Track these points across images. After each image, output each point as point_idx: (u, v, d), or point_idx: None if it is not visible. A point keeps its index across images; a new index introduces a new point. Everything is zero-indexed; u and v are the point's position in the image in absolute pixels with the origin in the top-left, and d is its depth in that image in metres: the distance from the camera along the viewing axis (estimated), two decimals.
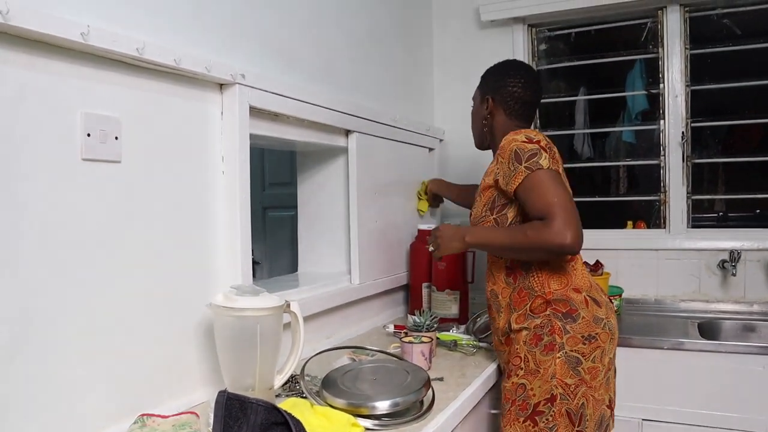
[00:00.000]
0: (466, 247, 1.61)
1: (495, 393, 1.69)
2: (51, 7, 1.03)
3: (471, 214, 1.71)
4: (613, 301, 2.31)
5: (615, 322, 1.56)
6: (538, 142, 1.51)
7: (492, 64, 1.80)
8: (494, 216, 1.59)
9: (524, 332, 1.52)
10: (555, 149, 1.56)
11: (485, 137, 1.79)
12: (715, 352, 1.93)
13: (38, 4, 1.01)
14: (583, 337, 1.47)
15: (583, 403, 1.44)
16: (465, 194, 2.26)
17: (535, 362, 1.48)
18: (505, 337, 1.59)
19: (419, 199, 2.49)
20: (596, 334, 1.49)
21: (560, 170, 1.53)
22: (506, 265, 1.61)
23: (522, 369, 1.50)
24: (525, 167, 1.47)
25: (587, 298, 1.53)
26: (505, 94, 1.71)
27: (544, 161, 1.47)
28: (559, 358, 1.46)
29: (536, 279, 1.55)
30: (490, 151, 1.81)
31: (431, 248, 1.69)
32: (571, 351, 1.46)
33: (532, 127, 1.81)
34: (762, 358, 1.88)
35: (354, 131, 1.99)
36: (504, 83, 1.71)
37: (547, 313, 1.50)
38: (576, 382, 1.45)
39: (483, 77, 1.80)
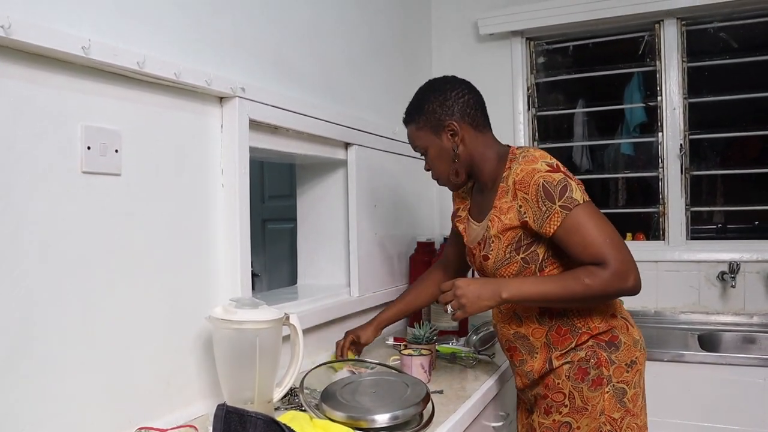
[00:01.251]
0: (501, 303, 1.38)
1: (495, 406, 1.69)
2: (52, 21, 1.04)
3: (482, 258, 1.49)
4: None
5: (642, 336, 1.49)
6: (558, 167, 1.36)
7: (423, 92, 1.55)
8: (521, 256, 1.41)
9: (566, 366, 1.42)
10: None
11: (462, 171, 1.52)
12: (716, 364, 1.92)
13: (39, 18, 1.02)
14: (626, 365, 1.40)
15: None
16: (407, 305, 1.84)
17: (583, 399, 1.39)
18: (540, 378, 1.47)
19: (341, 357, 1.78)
20: (636, 358, 1.43)
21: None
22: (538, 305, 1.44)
23: (566, 406, 1.41)
24: (560, 207, 1.31)
25: (623, 320, 1.45)
26: (462, 107, 1.48)
27: (577, 194, 1.32)
28: (607, 392, 1.38)
29: (577, 315, 1.42)
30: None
31: (450, 310, 1.42)
32: (618, 383, 1.39)
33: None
34: (762, 370, 1.88)
35: (353, 144, 2.00)
36: (452, 98, 1.48)
37: (591, 344, 1.40)
38: (622, 414, 1.39)
39: (417, 114, 1.52)
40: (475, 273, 1.64)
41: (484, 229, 1.49)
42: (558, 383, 1.43)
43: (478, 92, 1.54)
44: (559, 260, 1.41)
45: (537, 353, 1.47)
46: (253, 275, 2.88)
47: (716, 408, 1.91)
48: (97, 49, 1.08)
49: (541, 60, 2.79)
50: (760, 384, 1.87)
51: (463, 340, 2.00)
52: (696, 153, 2.65)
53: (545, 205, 1.33)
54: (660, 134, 2.54)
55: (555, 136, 2.90)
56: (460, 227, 1.64)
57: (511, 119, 2.73)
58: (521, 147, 1.49)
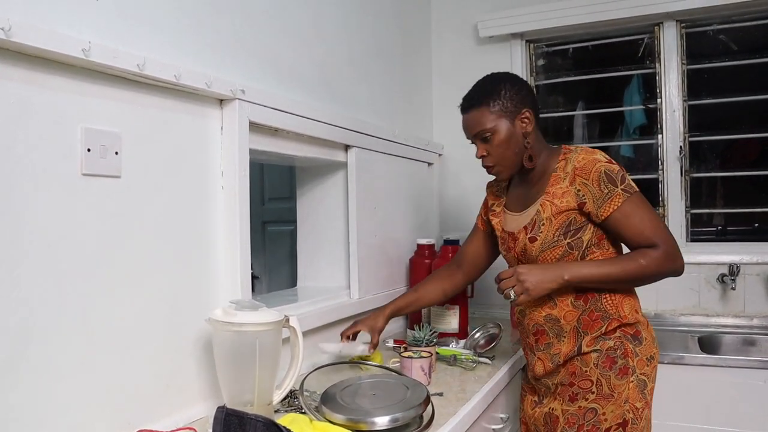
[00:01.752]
0: (564, 285, 1.46)
1: (495, 408, 1.68)
2: (52, 24, 1.04)
3: (528, 240, 1.53)
4: None
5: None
6: (614, 162, 1.48)
7: (497, 80, 1.59)
8: (568, 240, 1.49)
9: (594, 354, 1.49)
10: None
11: (524, 159, 1.56)
12: (716, 366, 1.92)
13: (39, 20, 1.02)
14: (647, 359, 1.49)
15: (644, 426, 1.47)
16: (418, 299, 1.85)
17: (610, 386, 1.46)
18: (566, 362, 1.53)
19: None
20: (653, 354, 1.52)
21: None
22: (574, 287, 1.50)
23: (593, 393, 1.48)
24: (622, 190, 1.43)
25: (644, 318, 1.55)
26: (533, 100, 1.58)
27: (633, 184, 1.46)
28: (632, 382, 1.46)
29: (609, 302, 1.50)
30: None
31: (513, 296, 1.46)
32: (641, 374, 1.47)
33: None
34: (763, 372, 1.87)
35: (353, 146, 2.00)
36: (526, 90, 1.58)
37: (618, 335, 1.49)
38: (642, 405, 1.47)
39: (496, 98, 1.54)
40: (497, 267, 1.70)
41: (531, 215, 1.55)
42: (586, 371, 1.49)
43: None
44: (599, 249, 1.51)
45: (565, 337, 1.53)
46: (253, 277, 2.87)
47: (716, 410, 1.91)
48: (97, 51, 1.08)
49: (541, 62, 2.79)
50: (760, 386, 1.87)
51: (463, 342, 1.99)
52: (696, 155, 2.65)
53: (607, 188, 1.43)
54: (660, 136, 2.54)
55: (555, 137, 2.90)
56: (495, 221, 1.71)
57: None
58: (571, 147, 1.56)
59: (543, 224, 1.51)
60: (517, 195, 1.66)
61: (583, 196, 1.46)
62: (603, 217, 1.45)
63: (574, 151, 1.52)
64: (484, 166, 1.61)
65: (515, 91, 1.55)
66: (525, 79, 2.48)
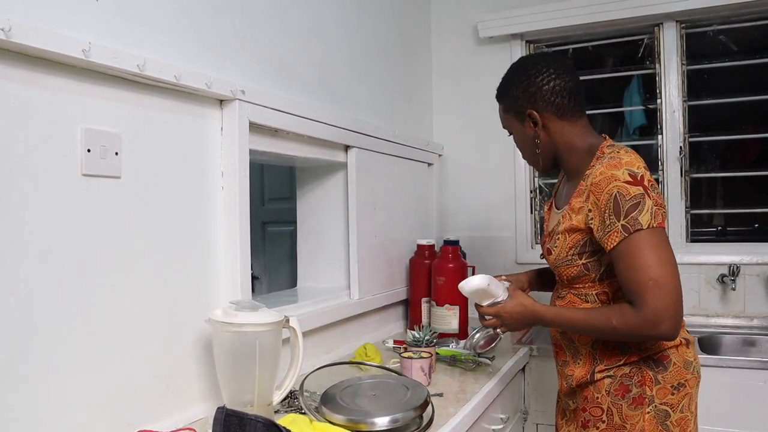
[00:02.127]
0: (543, 325, 1.43)
1: (495, 409, 1.68)
2: (52, 24, 1.04)
3: (546, 251, 1.46)
4: None
5: (698, 359, 1.39)
6: (642, 179, 1.23)
7: (500, 81, 1.52)
8: (583, 261, 1.36)
9: (607, 380, 1.35)
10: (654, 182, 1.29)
11: (547, 159, 1.47)
12: (716, 367, 1.92)
13: (40, 20, 1.02)
14: (672, 386, 1.31)
15: None
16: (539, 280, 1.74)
17: (621, 417, 1.32)
18: (579, 385, 1.41)
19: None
20: (686, 380, 1.32)
21: (664, 215, 1.26)
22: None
23: (604, 422, 1.34)
24: (622, 226, 1.21)
25: (680, 339, 1.33)
26: (546, 95, 1.39)
27: (645, 216, 1.20)
28: (648, 413, 1.30)
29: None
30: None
31: (494, 330, 1.49)
32: (661, 404, 1.30)
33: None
34: (763, 373, 1.87)
35: (353, 146, 2.00)
36: (535, 85, 1.40)
37: (637, 360, 1.32)
38: None
39: (504, 96, 1.48)
40: None
41: (555, 222, 1.44)
42: (597, 397, 1.36)
43: (570, 76, 1.41)
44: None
45: (580, 360, 1.41)
46: (253, 278, 2.87)
47: (716, 411, 1.90)
48: (98, 52, 1.08)
49: None
50: (760, 387, 1.87)
51: (463, 342, 1.99)
52: (696, 155, 2.65)
53: (609, 219, 1.24)
54: (660, 137, 2.54)
55: None
56: (546, 212, 1.60)
57: None
58: (614, 145, 1.37)
59: (558, 238, 1.40)
60: (563, 190, 1.52)
61: (591, 219, 1.30)
62: (607, 250, 1.27)
63: (603, 157, 1.32)
64: None
65: (522, 90, 1.42)
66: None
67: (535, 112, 1.41)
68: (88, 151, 1.10)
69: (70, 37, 1.04)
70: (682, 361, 1.33)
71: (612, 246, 1.24)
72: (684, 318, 1.26)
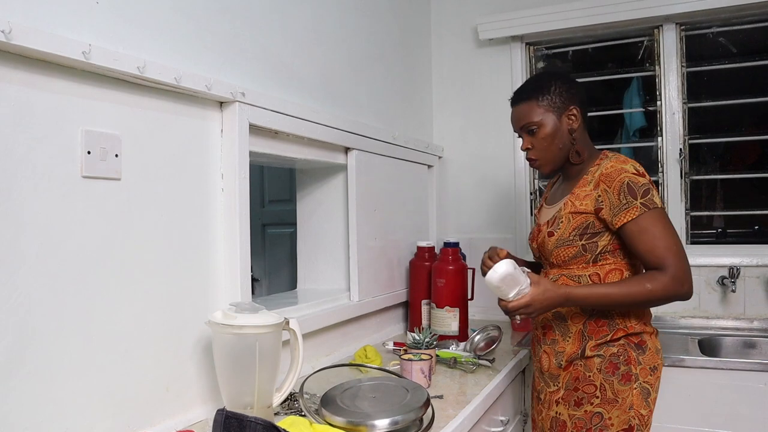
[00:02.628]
0: (566, 305, 1.49)
1: (496, 411, 1.68)
2: (53, 26, 1.04)
3: (547, 234, 1.58)
4: None
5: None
6: (644, 175, 1.47)
7: (548, 76, 1.63)
8: (582, 242, 1.52)
9: (597, 359, 1.51)
10: None
11: (565, 158, 1.60)
12: (716, 369, 1.92)
13: (40, 22, 1.02)
14: (650, 368, 1.50)
15: None
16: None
17: (613, 391, 1.48)
18: (569, 363, 1.56)
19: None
20: (657, 365, 1.52)
21: None
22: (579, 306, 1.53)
23: (598, 398, 1.50)
24: (641, 203, 1.42)
25: (651, 328, 1.55)
26: (582, 99, 1.60)
27: (657, 199, 1.45)
28: (635, 389, 1.48)
29: (618, 312, 1.51)
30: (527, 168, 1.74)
31: (518, 319, 1.53)
32: (644, 382, 1.49)
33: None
34: (763, 375, 1.87)
35: (353, 148, 2.00)
36: (575, 88, 1.59)
37: (622, 342, 1.50)
38: (647, 413, 1.49)
39: (545, 93, 1.57)
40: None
41: (555, 210, 1.60)
42: (589, 376, 1.51)
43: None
44: (612, 257, 1.52)
45: (570, 337, 1.56)
46: (253, 280, 2.87)
47: (716, 413, 1.90)
48: (98, 54, 1.08)
49: (540, 65, 2.79)
50: (760, 389, 1.87)
51: (463, 344, 1.99)
52: (695, 158, 2.65)
53: (626, 199, 1.43)
54: (659, 139, 2.54)
55: None
56: (536, 213, 1.77)
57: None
58: (609, 153, 1.58)
59: (562, 221, 1.55)
60: (557, 190, 1.71)
61: (602, 202, 1.48)
62: (617, 226, 1.46)
63: (609, 157, 1.54)
64: (527, 159, 1.64)
65: (565, 88, 1.57)
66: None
67: (576, 109, 1.57)
68: (88, 153, 1.10)
69: (71, 39, 1.04)
70: (655, 348, 1.53)
71: (628, 219, 1.43)
72: (655, 314, 1.50)
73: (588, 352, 1.52)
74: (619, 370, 1.48)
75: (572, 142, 1.58)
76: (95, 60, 1.07)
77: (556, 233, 1.56)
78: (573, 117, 1.57)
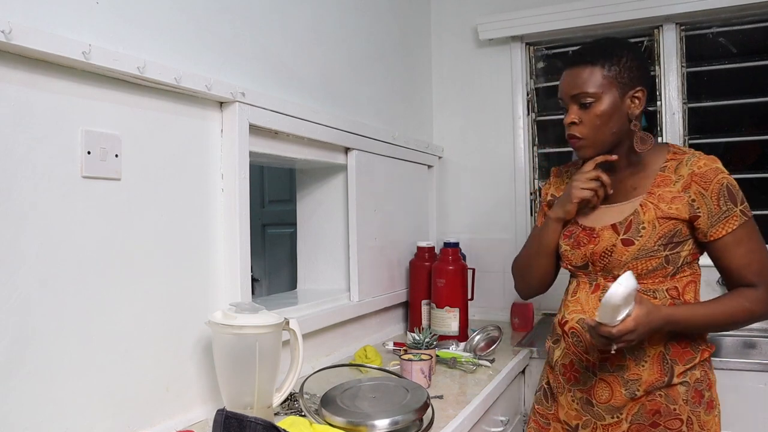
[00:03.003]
0: (665, 330, 1.30)
1: (496, 411, 1.68)
2: (53, 26, 1.04)
3: (621, 242, 1.33)
4: None
5: None
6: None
7: (620, 44, 1.37)
8: (666, 252, 1.30)
9: (682, 388, 1.30)
10: None
11: (615, 143, 1.36)
12: (716, 369, 1.89)
13: (40, 22, 1.02)
14: (715, 382, 1.37)
15: None
16: None
17: (700, 424, 1.30)
18: (647, 393, 1.32)
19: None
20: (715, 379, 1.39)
21: None
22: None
23: None
24: (741, 211, 1.26)
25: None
26: (648, 81, 1.38)
27: (747, 207, 1.28)
28: (716, 415, 1.33)
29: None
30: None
31: (614, 349, 1.25)
32: (718, 404, 1.35)
33: None
34: (763, 375, 1.87)
35: (353, 149, 2.00)
36: (644, 67, 1.36)
37: (706, 358, 1.34)
38: None
39: (613, 59, 1.32)
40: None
41: (625, 213, 1.35)
42: (674, 408, 1.30)
43: None
44: (690, 269, 1.36)
45: (646, 362, 1.32)
46: (253, 280, 2.87)
47: None
48: (98, 54, 1.08)
49: (540, 65, 2.79)
50: (760, 389, 1.87)
51: (463, 345, 1.99)
52: None
53: (726, 206, 1.26)
54: (659, 139, 2.54)
55: (555, 140, 2.91)
56: (552, 209, 1.49)
57: (511, 124, 2.73)
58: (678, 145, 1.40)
59: (644, 227, 1.31)
60: (614, 184, 1.40)
61: (698, 208, 1.28)
62: (713, 238, 1.28)
63: (690, 153, 1.33)
64: (568, 135, 1.38)
65: (636, 64, 1.33)
66: (525, 82, 2.46)
67: (642, 92, 1.34)
68: (89, 153, 1.10)
69: (71, 39, 1.04)
70: (710, 365, 1.38)
71: (729, 230, 1.27)
72: None
73: (675, 380, 1.30)
74: (703, 399, 1.30)
75: (633, 127, 1.34)
76: (95, 60, 1.07)
77: (636, 242, 1.30)
78: (637, 100, 1.33)
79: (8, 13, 0.96)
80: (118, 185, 1.17)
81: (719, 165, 1.29)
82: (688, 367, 1.31)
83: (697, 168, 1.29)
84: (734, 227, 1.26)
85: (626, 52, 1.33)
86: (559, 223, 1.45)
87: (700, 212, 1.28)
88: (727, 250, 1.29)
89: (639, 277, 1.31)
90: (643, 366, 1.32)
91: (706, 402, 1.31)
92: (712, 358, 1.39)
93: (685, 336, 1.32)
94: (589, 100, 1.32)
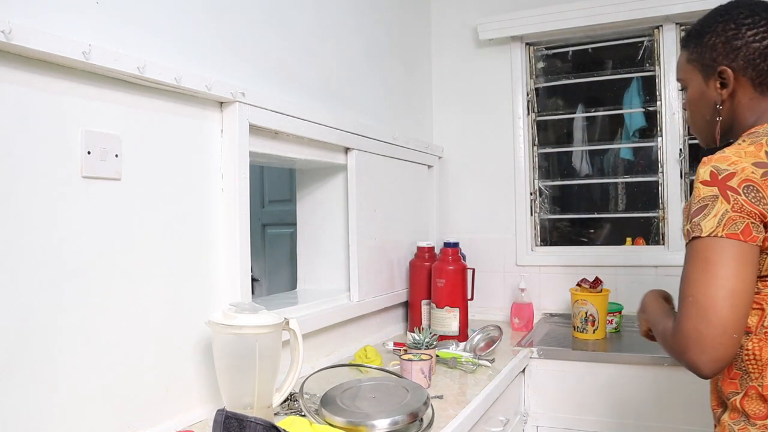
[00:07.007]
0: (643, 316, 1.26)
1: (496, 411, 1.68)
2: (53, 26, 1.04)
3: None
4: (614, 319, 2.31)
5: None
6: (727, 179, 0.99)
7: (718, 14, 1.14)
8: None
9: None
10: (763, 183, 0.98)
11: (716, 132, 1.17)
12: None
13: (40, 23, 1.02)
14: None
15: None
16: None
17: None
18: (716, 423, 1.14)
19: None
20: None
21: (751, 225, 0.97)
22: None
23: None
24: (687, 230, 1.03)
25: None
26: (751, 54, 1.08)
27: (710, 222, 0.97)
28: None
29: (752, 359, 1.03)
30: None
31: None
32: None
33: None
34: None
35: (353, 149, 2.00)
36: (743, 38, 1.08)
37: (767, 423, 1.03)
38: None
39: (697, 40, 1.16)
40: None
41: None
42: None
43: None
44: (761, 282, 1.04)
45: (712, 383, 1.17)
46: (253, 280, 2.87)
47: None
48: (98, 54, 1.08)
49: (540, 65, 2.79)
50: None
51: (463, 345, 1.99)
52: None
53: (684, 220, 1.07)
54: (659, 139, 2.54)
55: (555, 140, 2.91)
56: None
57: (511, 124, 2.73)
58: (758, 131, 1.09)
59: None
60: None
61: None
62: None
63: (726, 147, 1.08)
64: None
65: (724, 40, 1.11)
66: (525, 82, 2.45)
67: (730, 72, 1.11)
68: (88, 153, 1.10)
69: (71, 39, 1.04)
70: (759, 397, 1.04)
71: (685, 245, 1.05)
72: None
73: (725, 417, 1.09)
74: None
75: (717, 114, 1.15)
76: (95, 60, 1.07)
77: None
78: (722, 82, 1.12)
79: (8, 13, 0.97)
80: (118, 185, 1.17)
81: (702, 169, 1.04)
82: (732, 402, 1.08)
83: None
84: (685, 243, 1.05)
85: (713, 28, 1.13)
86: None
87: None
88: None
89: None
90: (713, 392, 1.16)
91: None
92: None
93: (736, 366, 1.07)
94: (683, 84, 1.21)
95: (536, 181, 2.75)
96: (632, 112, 2.68)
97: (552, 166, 2.90)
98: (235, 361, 1.24)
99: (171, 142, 1.30)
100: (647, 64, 2.59)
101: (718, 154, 1.04)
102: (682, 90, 1.25)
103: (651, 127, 2.62)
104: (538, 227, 2.75)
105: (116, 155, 1.16)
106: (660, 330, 1.10)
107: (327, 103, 1.93)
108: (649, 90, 2.61)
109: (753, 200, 0.97)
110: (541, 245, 2.74)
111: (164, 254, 1.28)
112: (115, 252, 1.17)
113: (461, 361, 1.81)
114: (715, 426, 1.15)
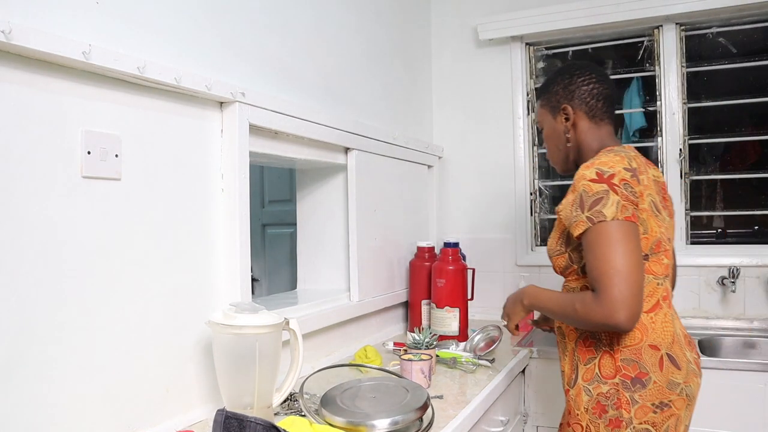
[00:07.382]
0: (529, 310, 1.52)
1: (496, 411, 1.68)
2: (53, 26, 1.04)
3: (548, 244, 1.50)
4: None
5: (696, 384, 1.35)
6: (611, 178, 1.27)
7: (558, 73, 1.54)
8: (568, 251, 1.41)
9: (585, 397, 1.35)
10: (642, 177, 1.33)
11: (569, 157, 1.53)
12: (716, 369, 1.92)
13: (40, 23, 1.02)
14: (653, 405, 1.28)
15: None
16: None
17: None
18: (567, 389, 1.42)
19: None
20: (670, 401, 1.29)
21: (640, 209, 1.29)
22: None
23: None
24: (587, 217, 1.26)
25: (664, 357, 1.31)
26: (583, 94, 1.47)
27: (610, 209, 1.24)
28: None
29: (606, 333, 1.34)
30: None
31: (505, 323, 1.62)
32: (640, 424, 1.28)
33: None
34: (763, 376, 1.87)
35: (353, 149, 2.00)
36: (576, 84, 1.48)
37: (616, 381, 1.30)
38: None
39: (545, 91, 1.55)
40: None
41: None
42: (577, 414, 1.37)
43: (608, 84, 1.50)
44: None
45: (567, 357, 1.44)
46: (253, 280, 2.87)
47: (716, 413, 1.90)
48: (98, 54, 1.08)
49: (540, 65, 2.79)
50: (760, 389, 1.87)
51: (463, 345, 1.99)
52: (695, 158, 2.65)
53: (575, 212, 1.30)
54: (659, 139, 2.54)
55: None
56: None
57: (511, 124, 2.73)
58: (613, 149, 1.39)
59: (554, 228, 1.49)
60: None
61: (562, 211, 1.38)
62: (575, 241, 1.36)
63: (594, 157, 1.37)
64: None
65: (563, 86, 1.50)
66: (525, 82, 2.46)
67: (569, 108, 1.49)
68: (89, 153, 1.10)
69: (71, 39, 1.04)
70: (666, 381, 1.30)
71: (579, 233, 1.29)
72: (682, 338, 1.38)
73: (580, 381, 1.37)
74: (606, 414, 1.31)
75: (567, 141, 1.50)
76: (95, 60, 1.07)
77: (548, 242, 1.50)
78: (566, 117, 1.49)
79: (8, 13, 0.96)
80: (118, 185, 1.17)
81: (587, 171, 1.30)
82: (589, 368, 1.36)
83: (576, 174, 1.35)
84: (581, 231, 1.28)
85: (554, 80, 1.53)
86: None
87: (562, 215, 1.37)
88: (585, 253, 1.30)
89: (562, 274, 1.48)
90: (565, 359, 1.45)
91: (609, 418, 1.30)
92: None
93: (591, 336, 1.37)
94: (539, 127, 1.60)
95: (536, 181, 2.75)
96: (632, 112, 2.68)
97: (551, 166, 2.89)
98: (235, 361, 1.24)
99: (171, 142, 1.30)
100: (647, 64, 2.59)
101: (596, 160, 1.33)
102: (539, 132, 1.60)
103: (651, 127, 2.62)
104: (538, 227, 2.75)
105: (116, 155, 1.16)
106: (570, 306, 1.30)
107: (327, 103, 1.93)
108: (649, 90, 2.61)
109: (629, 194, 1.27)
110: (541, 245, 2.74)
111: (164, 254, 1.28)
112: (115, 252, 1.16)
113: (461, 361, 1.81)
114: (568, 390, 1.41)
